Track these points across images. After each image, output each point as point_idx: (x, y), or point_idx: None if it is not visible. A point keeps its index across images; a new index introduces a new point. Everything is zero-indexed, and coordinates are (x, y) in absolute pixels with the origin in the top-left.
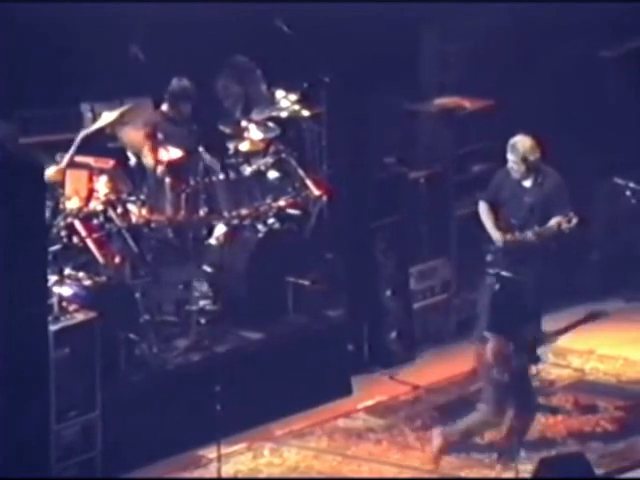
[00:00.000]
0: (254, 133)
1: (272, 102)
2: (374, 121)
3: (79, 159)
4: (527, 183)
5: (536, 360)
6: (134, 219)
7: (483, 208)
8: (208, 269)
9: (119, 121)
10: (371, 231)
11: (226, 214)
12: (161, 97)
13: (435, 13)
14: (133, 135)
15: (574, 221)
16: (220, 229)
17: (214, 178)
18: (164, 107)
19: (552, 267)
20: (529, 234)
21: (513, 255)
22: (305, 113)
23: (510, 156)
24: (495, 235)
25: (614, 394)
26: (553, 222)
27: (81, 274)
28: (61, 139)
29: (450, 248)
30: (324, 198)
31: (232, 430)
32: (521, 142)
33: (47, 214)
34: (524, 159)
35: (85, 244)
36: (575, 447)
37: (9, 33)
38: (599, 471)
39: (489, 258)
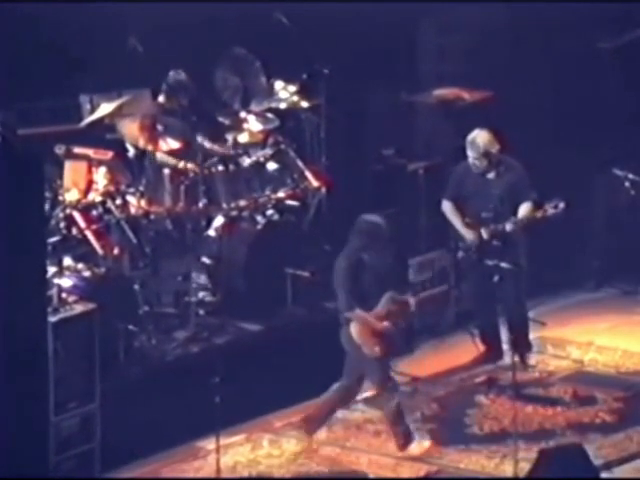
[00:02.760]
0: (253, 124)
1: (271, 93)
2: (373, 113)
3: (78, 150)
4: (491, 175)
5: (529, 347)
6: (133, 210)
7: (448, 207)
8: (207, 260)
9: (118, 113)
10: None
11: (225, 205)
12: (159, 89)
13: (433, 4)
14: (132, 127)
15: (561, 206)
16: (219, 220)
17: (213, 169)
18: (161, 98)
19: (550, 258)
20: (509, 225)
21: (488, 249)
22: (304, 104)
23: (471, 152)
24: (467, 235)
25: (613, 385)
26: (526, 210)
27: (80, 265)
28: (60, 130)
29: (449, 240)
30: (323, 189)
31: (231, 421)
32: (480, 137)
33: (46, 205)
34: (486, 153)
35: (84, 235)
36: (574, 438)
37: (8, 25)
38: (598, 462)
39: (460, 255)
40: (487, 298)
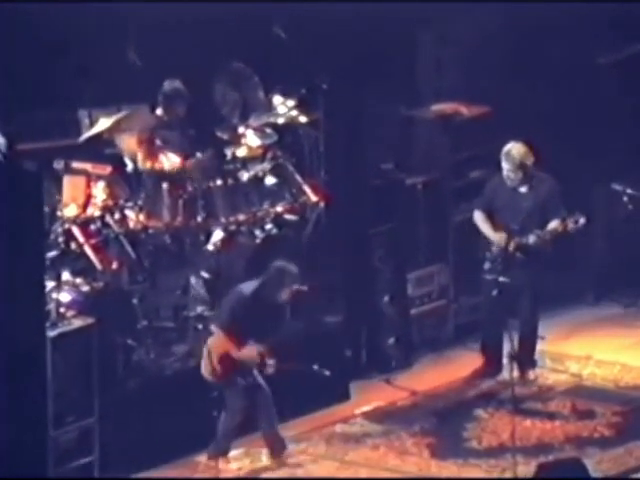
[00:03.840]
0: (251, 139)
1: (269, 108)
2: (371, 127)
3: (77, 165)
4: (523, 189)
5: (533, 364)
6: (132, 225)
7: (479, 216)
8: (205, 275)
9: (116, 127)
10: (369, 237)
11: (223, 220)
12: (157, 103)
13: (432, 18)
14: (130, 141)
15: (581, 221)
16: (217, 235)
17: (212, 184)
18: (159, 111)
19: (549, 272)
20: (532, 238)
21: (512, 260)
22: (302, 119)
23: (505, 164)
24: (497, 237)
25: (611, 399)
26: (555, 224)
27: (79, 280)
28: (59, 145)
29: (447, 254)
30: (321, 204)
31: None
32: (516, 149)
33: (45, 220)
34: (521, 166)
35: (83, 250)
36: (573, 452)
37: (8, 38)
38: (597, 476)
39: (487, 266)
40: (497, 312)
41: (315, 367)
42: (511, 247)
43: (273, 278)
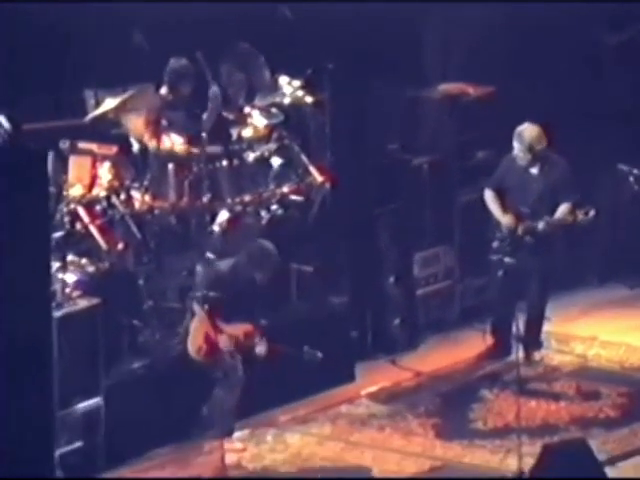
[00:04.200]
0: (257, 119)
1: (275, 89)
2: (377, 107)
3: (82, 146)
4: (534, 170)
5: (539, 346)
6: (137, 206)
7: (489, 195)
8: (211, 256)
9: (122, 107)
10: (374, 218)
11: (229, 201)
12: (162, 83)
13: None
14: (137, 121)
15: (592, 213)
16: (223, 216)
17: (217, 164)
18: (163, 90)
19: (556, 255)
20: (541, 224)
21: (521, 243)
22: (308, 100)
23: (516, 144)
24: (505, 220)
25: (617, 381)
26: (564, 211)
27: (84, 261)
28: (64, 125)
29: (453, 235)
30: (327, 185)
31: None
32: (528, 131)
33: (50, 201)
34: (530, 148)
35: (88, 231)
36: (578, 433)
37: (11, 20)
38: (602, 457)
39: (495, 244)
40: (505, 293)
41: (306, 349)
42: (520, 230)
43: (250, 256)
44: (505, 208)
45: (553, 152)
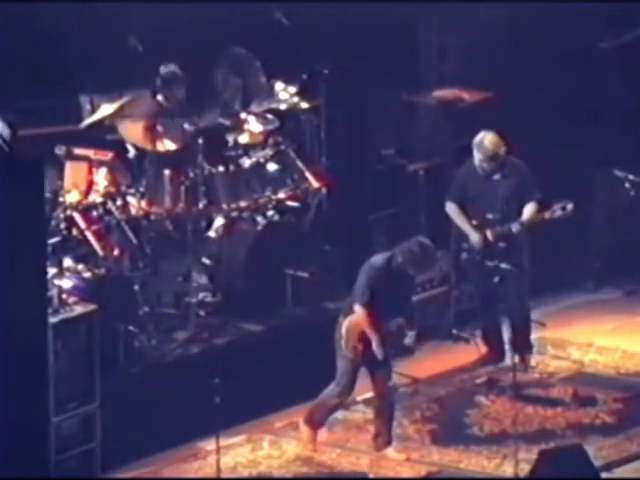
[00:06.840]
0: (253, 125)
1: (271, 94)
2: (373, 113)
3: (78, 151)
4: (496, 176)
5: (530, 348)
6: (133, 211)
7: (452, 208)
8: (207, 261)
9: (118, 113)
10: (370, 223)
11: (225, 206)
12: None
13: (434, 4)
14: (133, 127)
15: (569, 207)
16: (219, 221)
17: (213, 170)
18: (159, 97)
19: (550, 259)
20: (515, 226)
21: (495, 250)
22: (304, 105)
23: (478, 154)
24: (474, 236)
25: (613, 386)
26: (531, 211)
27: (80, 266)
28: (60, 131)
29: (449, 240)
30: (323, 190)
31: (231, 422)
32: (488, 139)
33: (46, 206)
34: (493, 156)
35: (84, 236)
36: (574, 439)
37: (8, 25)
38: (598, 463)
39: (464, 256)
40: (490, 299)
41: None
42: (491, 237)
43: (407, 251)
44: (470, 220)
45: (510, 155)
